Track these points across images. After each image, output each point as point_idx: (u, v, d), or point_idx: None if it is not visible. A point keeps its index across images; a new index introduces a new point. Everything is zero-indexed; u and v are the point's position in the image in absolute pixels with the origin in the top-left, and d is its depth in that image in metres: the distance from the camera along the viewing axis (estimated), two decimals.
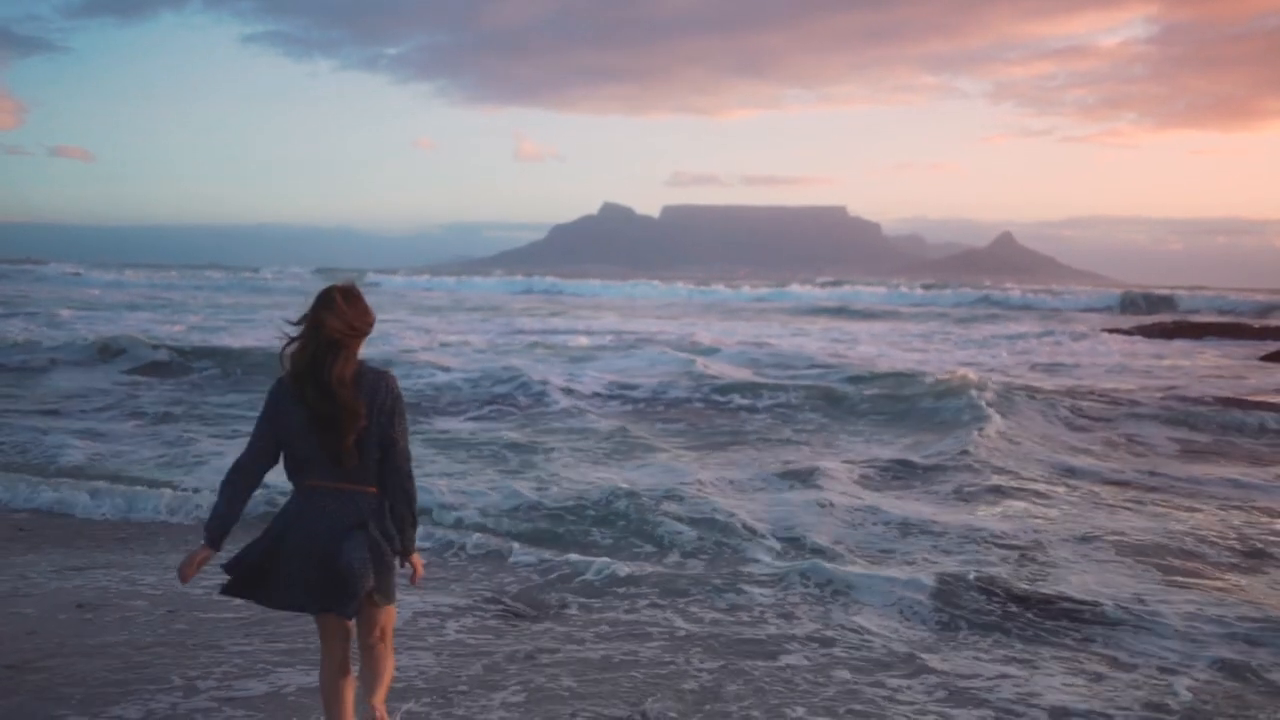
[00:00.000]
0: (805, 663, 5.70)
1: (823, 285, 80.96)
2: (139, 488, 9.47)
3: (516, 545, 7.89)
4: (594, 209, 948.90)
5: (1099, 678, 5.51)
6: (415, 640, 5.93)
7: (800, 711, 5.05)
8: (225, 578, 3.93)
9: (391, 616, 4.13)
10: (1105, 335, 34.04)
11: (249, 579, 3.91)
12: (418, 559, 4.08)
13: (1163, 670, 5.63)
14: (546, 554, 7.63)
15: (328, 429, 3.83)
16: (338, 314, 3.83)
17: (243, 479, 3.90)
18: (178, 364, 18.58)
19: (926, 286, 77.20)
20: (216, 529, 3.85)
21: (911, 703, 5.19)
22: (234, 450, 10.73)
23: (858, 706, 5.11)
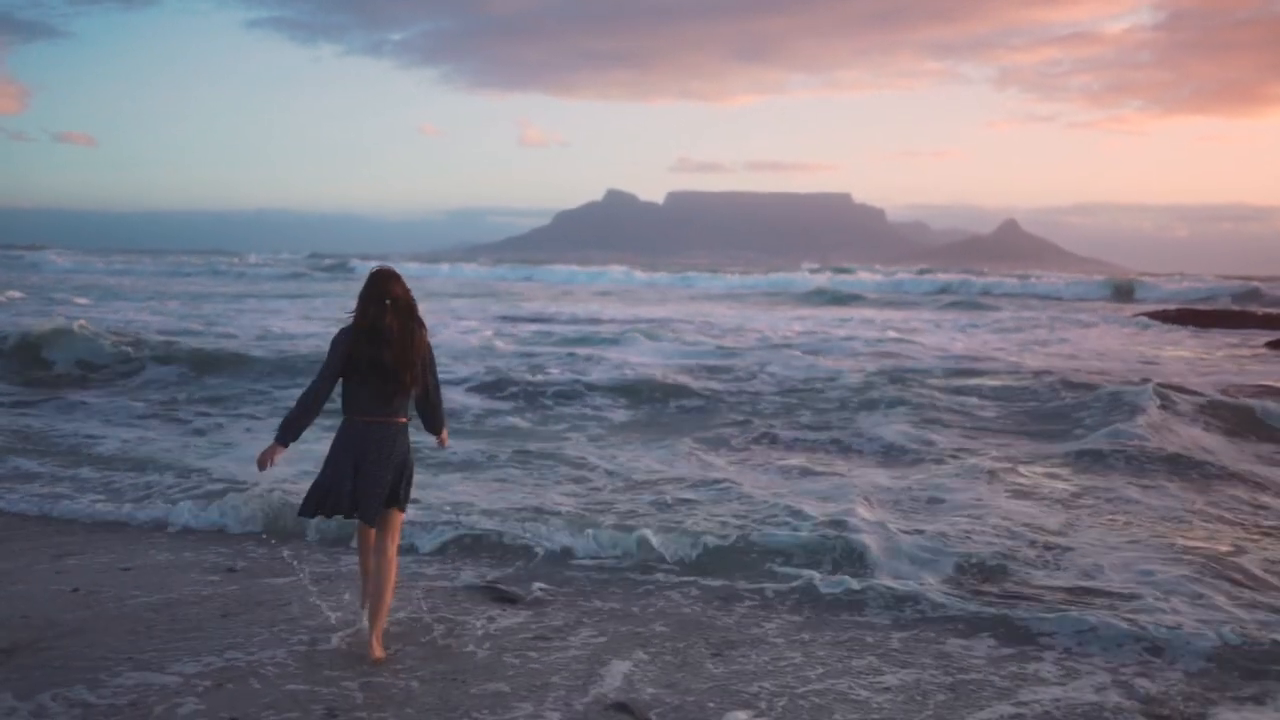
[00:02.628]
0: (885, 621, 6.14)
1: (813, 272, 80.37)
2: (136, 477, 9.55)
3: (594, 530, 7.87)
4: (598, 195, 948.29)
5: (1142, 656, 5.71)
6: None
7: (870, 659, 5.45)
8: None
9: (400, 519, 5.42)
10: (1105, 323, 34.07)
11: (323, 502, 5.18)
12: (444, 434, 5.62)
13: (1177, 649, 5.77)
14: (626, 542, 7.62)
15: (389, 379, 5.06)
16: (401, 283, 5.16)
17: (314, 400, 5.14)
18: (157, 359, 17.75)
19: (926, 272, 77.36)
20: (288, 431, 5.12)
21: (982, 658, 5.54)
22: (226, 451, 10.67)
23: (928, 659, 5.49)
